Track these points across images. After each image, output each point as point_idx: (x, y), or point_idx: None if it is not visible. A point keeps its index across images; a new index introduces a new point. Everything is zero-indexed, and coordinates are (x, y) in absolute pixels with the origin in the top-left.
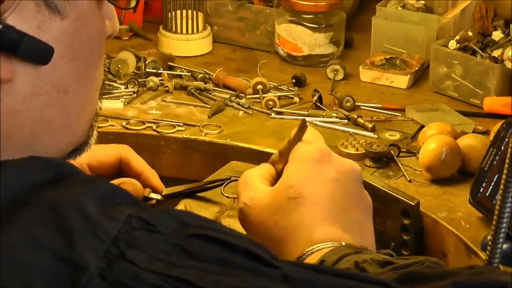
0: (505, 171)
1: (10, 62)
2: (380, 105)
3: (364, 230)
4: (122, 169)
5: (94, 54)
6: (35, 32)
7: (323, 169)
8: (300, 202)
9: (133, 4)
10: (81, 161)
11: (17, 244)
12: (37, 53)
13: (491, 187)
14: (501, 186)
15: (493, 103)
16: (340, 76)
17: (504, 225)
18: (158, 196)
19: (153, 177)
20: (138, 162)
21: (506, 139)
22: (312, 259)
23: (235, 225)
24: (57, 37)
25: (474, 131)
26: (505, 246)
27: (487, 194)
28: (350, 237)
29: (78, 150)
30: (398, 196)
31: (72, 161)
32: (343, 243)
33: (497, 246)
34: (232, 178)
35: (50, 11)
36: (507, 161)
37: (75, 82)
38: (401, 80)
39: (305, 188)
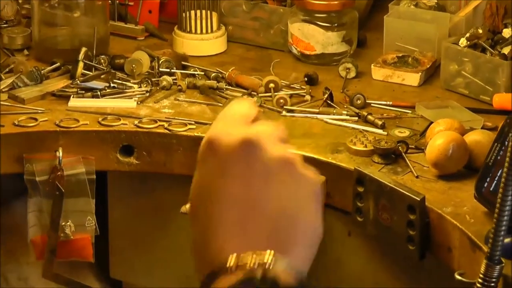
0: (506, 164)
1: None
2: (390, 103)
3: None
4: None
5: None
6: None
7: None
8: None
9: None
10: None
11: None
12: None
13: (495, 182)
14: (502, 180)
15: (503, 99)
16: (352, 74)
17: (505, 218)
18: None
19: None
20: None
21: (510, 134)
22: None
23: None
24: None
25: (483, 128)
26: (506, 240)
27: (491, 189)
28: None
29: None
30: (404, 192)
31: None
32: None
33: (498, 239)
34: None
35: None
36: (508, 154)
37: None
38: (413, 78)
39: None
